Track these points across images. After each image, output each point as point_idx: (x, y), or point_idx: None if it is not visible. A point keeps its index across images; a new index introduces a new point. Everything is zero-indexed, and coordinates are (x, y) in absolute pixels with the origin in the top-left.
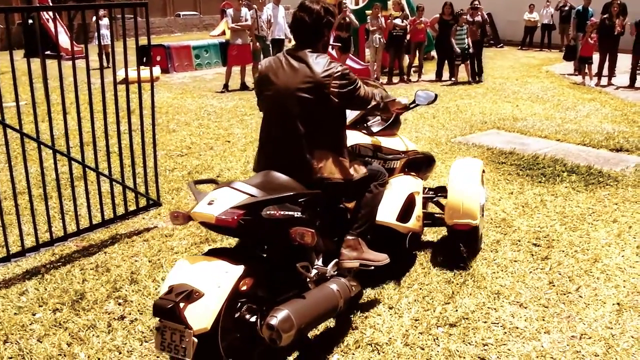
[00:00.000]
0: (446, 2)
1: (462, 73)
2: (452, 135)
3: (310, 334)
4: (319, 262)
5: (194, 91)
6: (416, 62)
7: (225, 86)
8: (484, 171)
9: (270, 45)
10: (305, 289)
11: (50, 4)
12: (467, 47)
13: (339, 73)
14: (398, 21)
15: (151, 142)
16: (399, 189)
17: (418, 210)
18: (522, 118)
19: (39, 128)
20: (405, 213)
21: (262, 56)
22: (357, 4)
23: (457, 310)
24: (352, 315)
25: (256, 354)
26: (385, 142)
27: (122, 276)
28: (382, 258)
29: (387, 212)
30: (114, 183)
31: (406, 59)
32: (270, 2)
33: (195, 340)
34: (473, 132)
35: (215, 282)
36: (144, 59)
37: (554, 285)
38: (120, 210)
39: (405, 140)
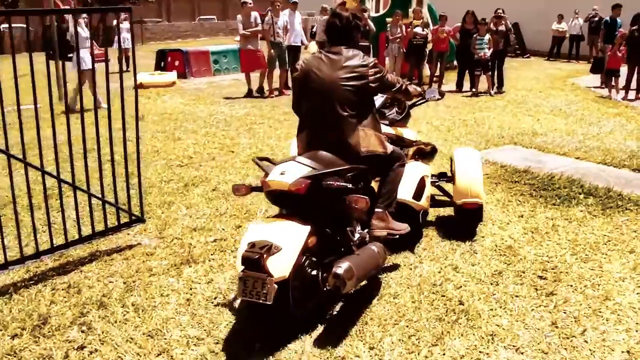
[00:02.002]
0: (468, 10)
1: (484, 84)
2: None
3: None
4: (359, 229)
5: (208, 97)
6: (437, 72)
7: (250, 92)
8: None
9: (287, 52)
10: (350, 251)
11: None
12: (488, 57)
13: (373, 63)
14: (418, 30)
15: (148, 153)
16: (413, 172)
17: (428, 192)
18: (542, 133)
19: (8, 139)
20: (418, 193)
21: (277, 63)
22: (378, 11)
23: (444, 354)
24: (328, 355)
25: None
26: (403, 131)
27: (92, 299)
28: (404, 227)
29: (405, 191)
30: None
31: (427, 69)
32: (287, 8)
33: (276, 286)
34: (488, 148)
35: (291, 238)
36: (162, 63)
37: (557, 327)
38: (101, 226)
39: (413, 132)
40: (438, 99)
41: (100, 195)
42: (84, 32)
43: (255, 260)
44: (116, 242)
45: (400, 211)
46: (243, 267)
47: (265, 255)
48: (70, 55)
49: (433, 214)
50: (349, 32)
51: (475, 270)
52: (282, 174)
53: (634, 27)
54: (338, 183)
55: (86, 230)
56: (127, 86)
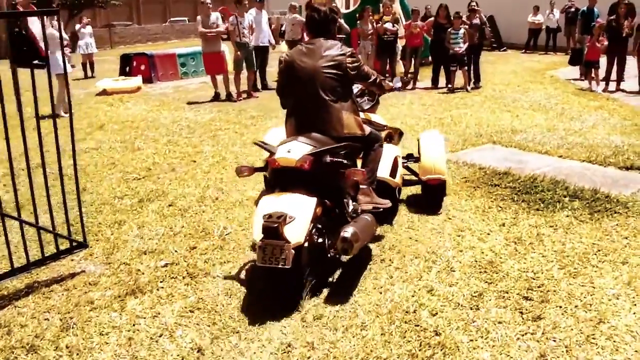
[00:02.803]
0: (441, 4)
1: (460, 79)
2: None
3: None
4: (351, 202)
5: (172, 103)
6: (412, 69)
7: (216, 95)
8: None
9: (254, 53)
10: (346, 221)
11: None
12: (463, 52)
13: (350, 52)
14: (388, 25)
15: (104, 166)
16: (387, 153)
17: (400, 170)
18: (522, 130)
19: None
20: (393, 171)
21: (244, 64)
22: (347, 7)
23: None
24: None
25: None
26: (373, 117)
27: (22, 341)
28: (386, 202)
29: (382, 170)
30: (31, 224)
31: (400, 66)
32: (253, 7)
33: (293, 252)
34: (466, 148)
35: (302, 208)
36: (127, 68)
37: (545, 359)
38: (37, 255)
39: (382, 118)
40: (399, 88)
41: (34, 222)
42: (55, 32)
43: (274, 228)
44: (58, 271)
45: (379, 188)
46: (262, 236)
47: (282, 224)
48: (35, 62)
49: (405, 221)
50: (327, 24)
51: (452, 292)
52: (288, 151)
53: (612, 17)
54: (335, 159)
55: (22, 260)
56: (90, 93)
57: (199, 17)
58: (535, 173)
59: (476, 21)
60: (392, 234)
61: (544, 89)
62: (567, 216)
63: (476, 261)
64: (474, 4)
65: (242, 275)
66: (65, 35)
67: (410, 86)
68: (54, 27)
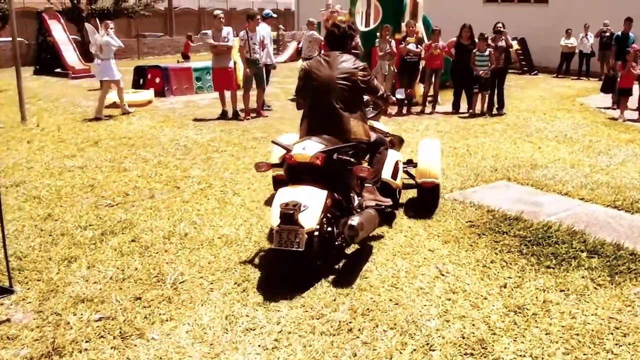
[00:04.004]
0: (465, 24)
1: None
2: (450, 189)
3: None
4: (356, 197)
5: (178, 119)
6: (431, 92)
7: (224, 113)
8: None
9: (264, 69)
10: (352, 213)
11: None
12: (488, 75)
13: (362, 66)
14: (412, 46)
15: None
16: (389, 157)
17: (400, 173)
18: (543, 165)
19: None
20: (394, 174)
21: (254, 83)
22: (368, 25)
23: None
24: None
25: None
26: (376, 124)
27: None
28: (388, 200)
29: (385, 172)
30: None
31: (420, 88)
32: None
33: (306, 236)
34: (477, 184)
35: (314, 199)
36: (141, 81)
37: None
38: None
39: (384, 125)
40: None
41: None
42: (115, 42)
43: (290, 215)
44: None
45: (381, 189)
46: (279, 222)
47: (297, 211)
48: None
49: (389, 276)
50: (344, 40)
51: None
52: (303, 149)
53: None
54: (344, 157)
55: None
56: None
57: (209, 31)
58: (550, 220)
59: (501, 44)
60: (370, 293)
61: (571, 118)
62: (583, 277)
63: (463, 337)
64: (499, 25)
65: (182, 339)
66: (119, 43)
67: (428, 110)
68: (110, 35)
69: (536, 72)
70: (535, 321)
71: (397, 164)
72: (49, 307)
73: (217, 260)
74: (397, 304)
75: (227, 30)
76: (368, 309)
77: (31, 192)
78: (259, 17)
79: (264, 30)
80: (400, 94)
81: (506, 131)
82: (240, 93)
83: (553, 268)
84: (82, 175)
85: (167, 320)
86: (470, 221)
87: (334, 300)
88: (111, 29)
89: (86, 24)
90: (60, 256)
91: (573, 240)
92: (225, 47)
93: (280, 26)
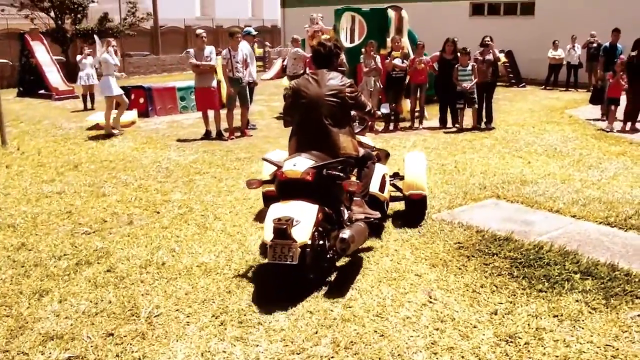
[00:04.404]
0: (448, 38)
1: (469, 119)
2: (437, 208)
3: None
4: (346, 211)
5: (160, 140)
6: (417, 107)
7: (207, 133)
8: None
9: (247, 88)
10: (342, 227)
11: (45, 44)
12: (473, 90)
13: (350, 83)
14: (398, 61)
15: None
16: (377, 171)
17: (387, 186)
18: (533, 180)
19: None
20: (382, 187)
21: (237, 101)
22: (352, 41)
23: None
24: None
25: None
26: (362, 139)
27: None
28: (376, 213)
29: (372, 186)
30: None
31: (407, 104)
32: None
33: (299, 249)
34: (465, 203)
35: (306, 213)
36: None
37: None
38: None
39: (370, 140)
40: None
41: None
42: (112, 59)
43: (283, 229)
44: None
45: (369, 202)
46: (272, 237)
47: (289, 226)
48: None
49: (374, 305)
50: (330, 58)
51: None
52: (294, 165)
53: (634, 53)
54: (334, 172)
55: None
56: (83, 127)
57: (191, 50)
58: (542, 240)
59: (489, 57)
60: (354, 324)
61: (561, 131)
62: (577, 301)
63: None
64: (487, 39)
65: None
66: (117, 61)
67: (416, 125)
68: (109, 53)
69: (524, 84)
70: (528, 351)
71: (384, 177)
72: (16, 346)
73: (195, 291)
74: (382, 335)
75: (209, 50)
76: (352, 342)
77: (6, 220)
78: (239, 35)
79: (245, 48)
80: (385, 109)
81: (495, 146)
82: (224, 112)
83: (545, 292)
84: (59, 202)
85: (139, 359)
86: (458, 242)
87: (316, 332)
88: (113, 46)
89: (96, 37)
90: (31, 289)
91: (565, 261)
92: (207, 66)
93: (267, 43)
